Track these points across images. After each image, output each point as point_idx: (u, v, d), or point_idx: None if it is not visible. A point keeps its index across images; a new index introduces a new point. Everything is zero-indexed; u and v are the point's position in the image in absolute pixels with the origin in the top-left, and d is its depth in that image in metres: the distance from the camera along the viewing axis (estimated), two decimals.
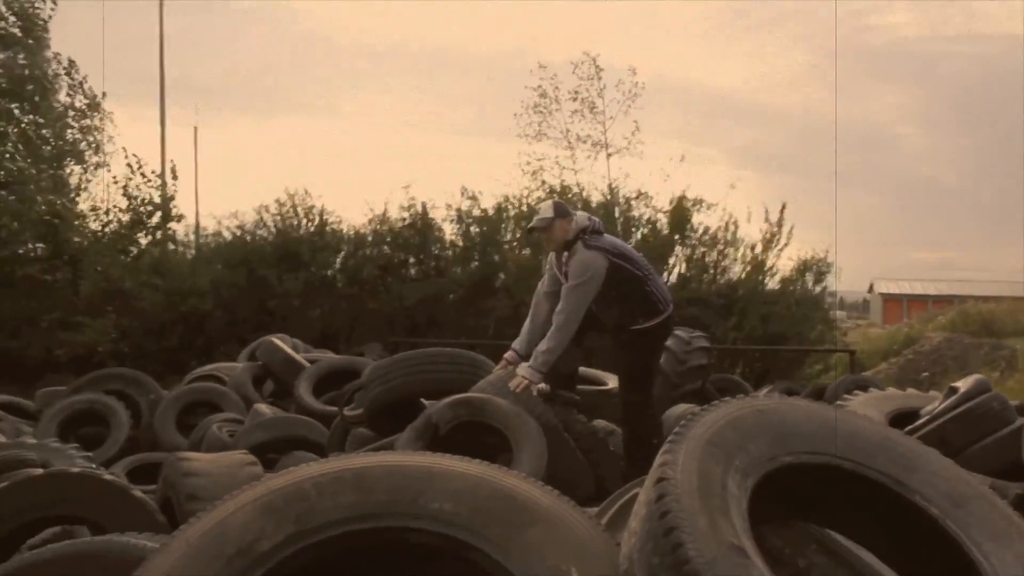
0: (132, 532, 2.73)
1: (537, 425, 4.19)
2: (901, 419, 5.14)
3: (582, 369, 6.56)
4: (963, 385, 5.11)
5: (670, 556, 1.67)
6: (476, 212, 15.83)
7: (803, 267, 15.50)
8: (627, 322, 5.27)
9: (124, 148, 17.17)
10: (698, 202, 15.49)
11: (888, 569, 2.18)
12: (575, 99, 19.01)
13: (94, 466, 5.18)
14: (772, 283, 15.48)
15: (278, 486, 1.96)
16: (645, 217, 15.60)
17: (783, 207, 15.43)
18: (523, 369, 4.99)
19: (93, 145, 17.25)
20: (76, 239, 15.93)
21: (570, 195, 16.33)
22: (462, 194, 15.96)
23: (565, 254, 5.28)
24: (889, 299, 49.06)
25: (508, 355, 5.31)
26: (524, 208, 15.85)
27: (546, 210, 5.34)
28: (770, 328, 14.73)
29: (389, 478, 1.98)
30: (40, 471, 3.53)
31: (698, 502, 1.74)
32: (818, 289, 15.73)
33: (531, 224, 5.38)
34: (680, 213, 15.38)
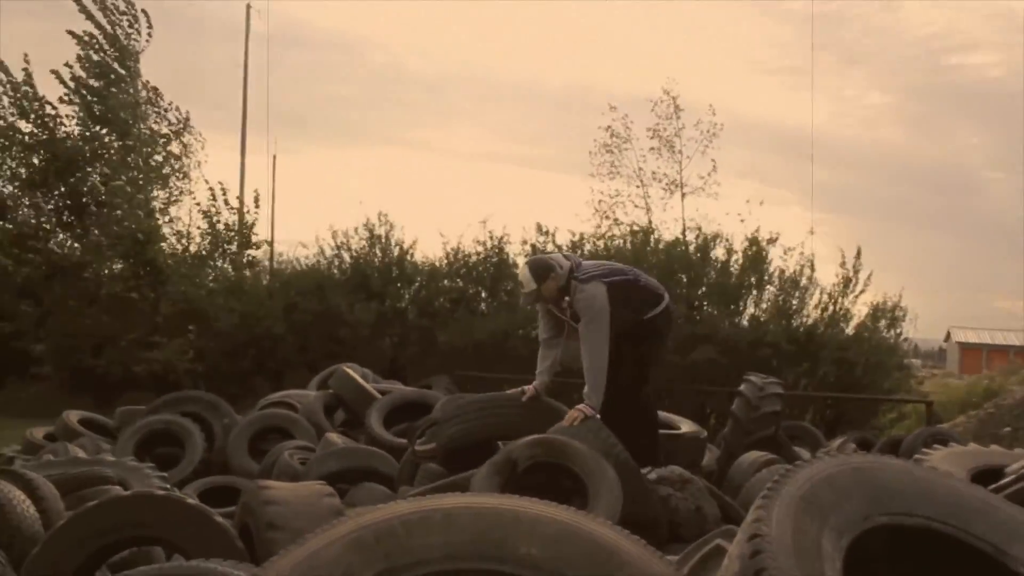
0: (215, 558, 2.78)
1: (614, 472, 4.17)
2: (984, 476, 4.96)
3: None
4: None
5: None
6: (551, 247, 15.85)
7: (877, 313, 15.16)
8: (639, 316, 5.70)
9: (204, 176, 17.86)
10: (773, 241, 15.26)
11: None
12: (652, 136, 18.97)
13: (169, 486, 5.31)
14: (847, 329, 15.16)
15: (368, 523, 1.98)
16: (720, 258, 15.42)
17: (858, 252, 15.15)
18: (580, 406, 5.20)
19: (180, 171, 17.82)
20: (160, 258, 16.45)
21: (643, 234, 16.29)
22: (537, 230, 16.01)
23: (566, 299, 5.55)
24: (967, 348, 47.72)
25: (529, 389, 5.71)
26: (600, 245, 15.85)
27: (527, 282, 5.61)
28: (843, 375, 14.45)
29: (477, 520, 1.99)
30: (125, 492, 3.62)
31: (794, 560, 1.71)
32: (892, 336, 15.36)
33: (522, 302, 5.65)
34: (756, 254, 15.20)
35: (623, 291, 5.57)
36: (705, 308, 15.12)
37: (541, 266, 5.61)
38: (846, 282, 15.05)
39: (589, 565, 1.90)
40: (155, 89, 17.74)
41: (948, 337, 51.57)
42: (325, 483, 4.06)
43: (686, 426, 6.65)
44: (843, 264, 15.06)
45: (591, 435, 4.66)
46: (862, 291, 15.12)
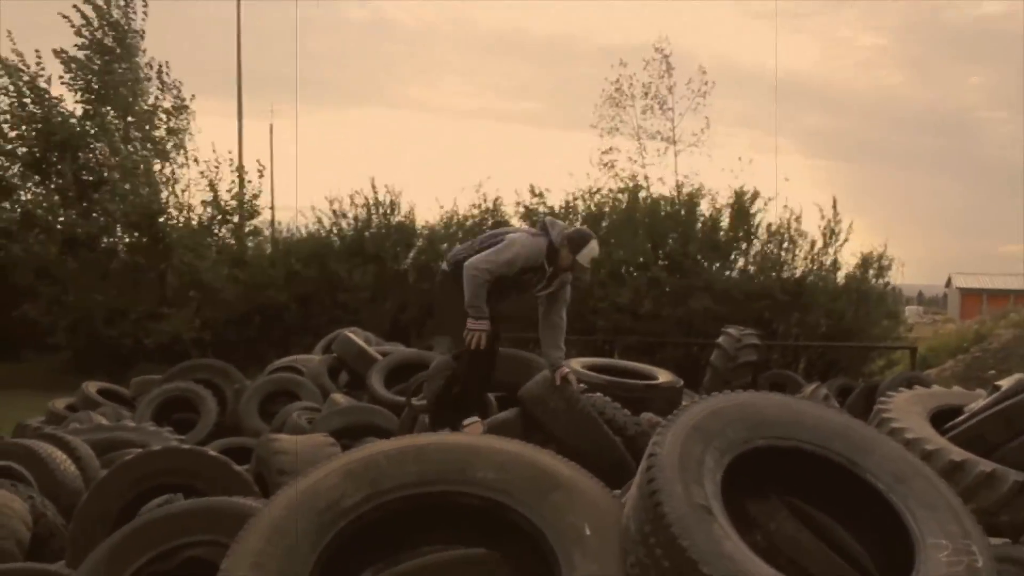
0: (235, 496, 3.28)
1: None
2: (944, 416, 5.09)
3: (632, 364, 7.03)
4: (1005, 383, 5.32)
5: (651, 512, 2.18)
6: (543, 209, 16.24)
7: (864, 262, 15.53)
8: None
9: (195, 155, 18.09)
10: (756, 196, 15.59)
11: (843, 531, 2.64)
12: (646, 95, 19.20)
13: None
14: (837, 278, 15.53)
15: (357, 457, 2.51)
16: (707, 213, 15.78)
17: (834, 202, 15.49)
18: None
19: (179, 146, 18.09)
20: (167, 230, 16.84)
21: (639, 190, 16.63)
22: (530, 192, 16.39)
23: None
24: (968, 293, 47.51)
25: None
26: (592, 205, 16.25)
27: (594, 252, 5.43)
28: (833, 324, 14.84)
29: (443, 452, 2.52)
30: (157, 447, 4.13)
31: (677, 473, 2.22)
32: (880, 284, 15.72)
33: (583, 276, 5.47)
34: (741, 209, 15.57)
35: None
36: (700, 261, 15.47)
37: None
38: (829, 232, 15.41)
39: (530, 484, 2.42)
40: (162, 64, 17.99)
41: (949, 283, 51.69)
42: (327, 435, 4.56)
43: (663, 376, 7.10)
44: (822, 216, 15.41)
45: (557, 393, 5.08)
46: (845, 240, 15.50)
